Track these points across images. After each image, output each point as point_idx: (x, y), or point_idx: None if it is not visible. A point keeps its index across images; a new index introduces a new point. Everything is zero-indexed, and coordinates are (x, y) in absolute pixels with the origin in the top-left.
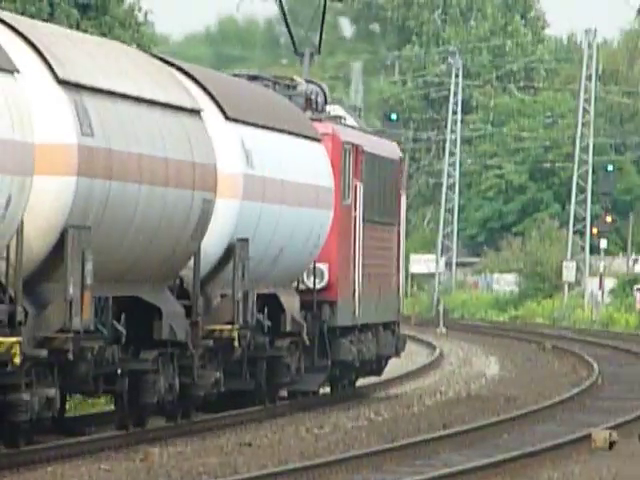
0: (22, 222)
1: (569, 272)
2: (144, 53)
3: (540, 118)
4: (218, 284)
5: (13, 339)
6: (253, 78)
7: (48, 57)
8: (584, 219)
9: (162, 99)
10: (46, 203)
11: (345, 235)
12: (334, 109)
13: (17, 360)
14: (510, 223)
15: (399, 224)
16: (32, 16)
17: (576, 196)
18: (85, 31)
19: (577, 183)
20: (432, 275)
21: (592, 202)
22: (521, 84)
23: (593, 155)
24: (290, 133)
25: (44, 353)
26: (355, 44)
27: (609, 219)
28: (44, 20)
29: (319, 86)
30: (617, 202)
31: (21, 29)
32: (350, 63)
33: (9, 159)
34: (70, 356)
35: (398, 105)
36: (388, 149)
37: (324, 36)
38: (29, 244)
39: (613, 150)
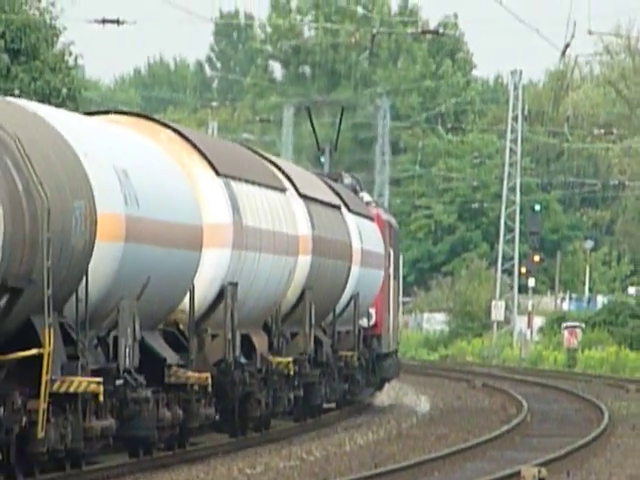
0: None
1: (498, 311)
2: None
3: (468, 158)
4: (341, 322)
5: (289, 359)
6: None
7: (294, 179)
8: (512, 258)
9: (330, 201)
10: (296, 273)
11: (384, 288)
12: (364, 195)
13: (292, 372)
14: (440, 263)
15: (398, 276)
16: None
17: (504, 235)
18: (16, 76)
19: (505, 223)
20: None
21: (520, 241)
22: (449, 125)
23: (520, 195)
24: (367, 217)
25: (296, 368)
26: (286, 87)
27: (537, 258)
28: None
29: (354, 177)
30: (544, 241)
31: (276, 162)
32: (282, 106)
33: (291, 246)
34: (307, 370)
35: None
36: (393, 219)
37: (256, 80)
38: (286, 298)
39: (540, 189)
